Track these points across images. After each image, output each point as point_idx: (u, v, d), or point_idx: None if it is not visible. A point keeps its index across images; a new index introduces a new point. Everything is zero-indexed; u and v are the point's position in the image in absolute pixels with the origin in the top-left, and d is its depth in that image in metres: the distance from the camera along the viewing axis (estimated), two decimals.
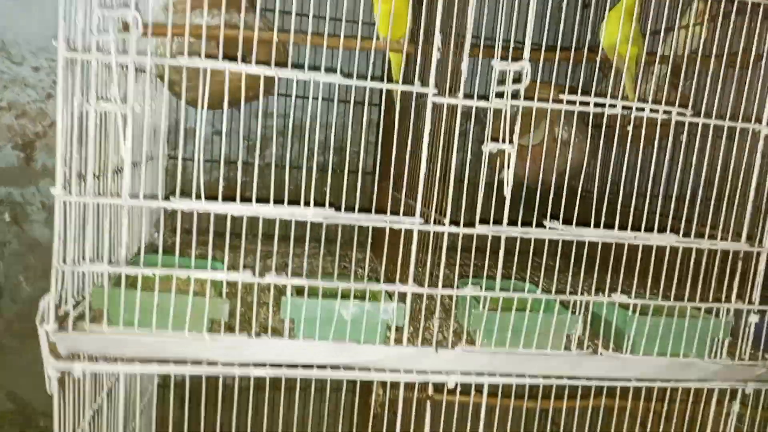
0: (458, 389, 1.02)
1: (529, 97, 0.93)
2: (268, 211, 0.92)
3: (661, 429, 1.12)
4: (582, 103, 0.97)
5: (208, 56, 0.89)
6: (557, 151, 1.23)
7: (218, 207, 0.91)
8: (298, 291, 0.97)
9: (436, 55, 0.92)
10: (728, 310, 1.06)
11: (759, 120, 1.02)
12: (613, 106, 0.98)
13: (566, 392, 1.12)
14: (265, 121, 1.59)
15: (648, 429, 1.18)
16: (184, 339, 0.92)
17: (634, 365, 1.04)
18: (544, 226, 0.98)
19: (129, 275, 0.91)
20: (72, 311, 0.89)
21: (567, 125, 1.36)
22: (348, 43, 0.98)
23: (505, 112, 0.92)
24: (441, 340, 1.00)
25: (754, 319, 1.06)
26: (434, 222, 0.97)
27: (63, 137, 0.86)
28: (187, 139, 1.45)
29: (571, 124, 1.34)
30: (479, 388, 1.08)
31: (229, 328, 0.95)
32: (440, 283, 0.97)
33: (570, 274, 1.15)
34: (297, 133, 1.56)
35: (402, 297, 0.96)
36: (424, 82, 0.93)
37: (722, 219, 1.03)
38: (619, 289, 1.04)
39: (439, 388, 1.06)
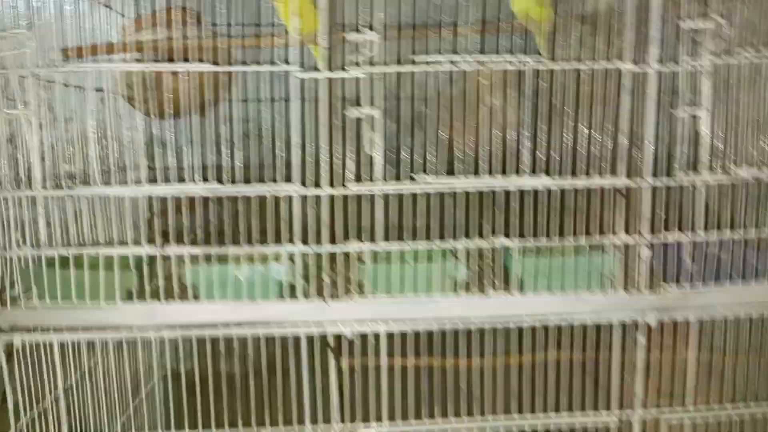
0: (356, 345, 1.10)
1: None
2: (162, 189, 1.05)
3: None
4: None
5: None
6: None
7: (114, 191, 1.04)
8: (207, 259, 1.09)
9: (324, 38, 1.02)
10: (616, 245, 1.08)
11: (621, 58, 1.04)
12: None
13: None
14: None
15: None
16: (102, 308, 1.06)
17: (526, 304, 1.09)
18: (414, 180, 1.06)
19: (61, 255, 1.06)
20: (8, 291, 1.05)
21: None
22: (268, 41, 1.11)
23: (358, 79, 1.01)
24: (333, 293, 1.08)
25: (645, 252, 1.08)
26: (314, 186, 1.06)
27: None
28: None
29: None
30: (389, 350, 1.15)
31: (141, 296, 1.08)
32: (324, 241, 1.06)
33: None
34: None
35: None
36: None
37: (599, 157, 1.06)
38: (503, 232, 1.09)
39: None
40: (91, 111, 1.08)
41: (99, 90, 1.17)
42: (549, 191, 1.07)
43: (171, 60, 1.13)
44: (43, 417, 1.12)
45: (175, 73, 1.12)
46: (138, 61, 1.19)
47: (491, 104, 1.10)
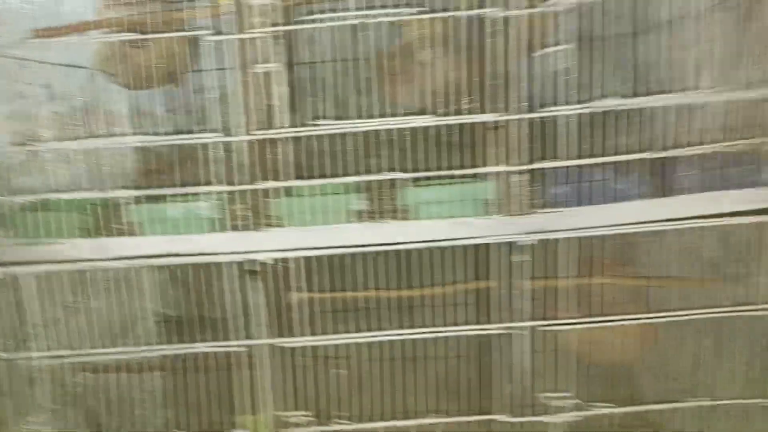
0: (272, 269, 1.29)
1: None
2: (103, 142, 1.26)
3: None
4: None
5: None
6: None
7: (64, 145, 1.26)
8: (148, 199, 1.29)
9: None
10: (493, 174, 1.24)
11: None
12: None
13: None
14: None
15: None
16: (58, 244, 1.28)
17: (417, 229, 1.26)
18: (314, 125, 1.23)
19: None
20: None
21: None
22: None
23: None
24: (255, 224, 1.27)
25: (516, 178, 1.23)
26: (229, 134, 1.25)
27: None
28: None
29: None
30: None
31: (97, 233, 1.30)
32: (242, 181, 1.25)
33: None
34: None
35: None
36: None
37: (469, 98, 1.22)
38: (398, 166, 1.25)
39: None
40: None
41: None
42: (428, 128, 1.23)
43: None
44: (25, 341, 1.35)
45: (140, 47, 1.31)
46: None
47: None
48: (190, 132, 1.26)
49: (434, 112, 1.22)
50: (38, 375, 1.39)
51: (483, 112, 1.22)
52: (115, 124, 1.30)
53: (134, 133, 1.26)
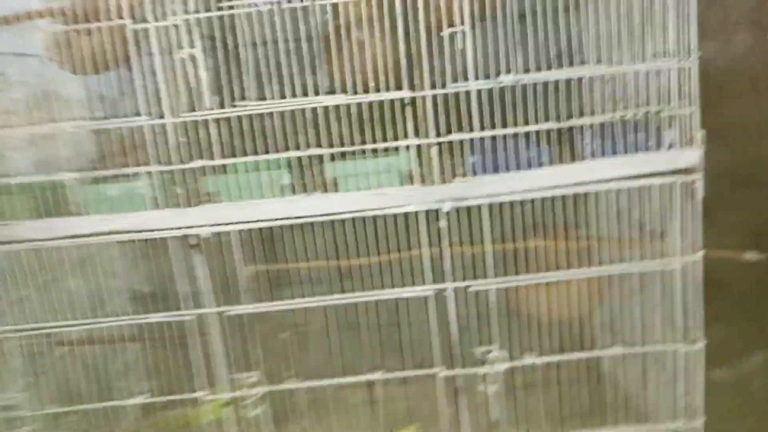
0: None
1: None
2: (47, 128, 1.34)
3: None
4: None
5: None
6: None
7: None
8: (92, 180, 1.38)
9: None
10: (408, 148, 1.32)
11: None
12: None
13: None
14: None
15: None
16: (7, 226, 1.37)
17: (340, 201, 1.35)
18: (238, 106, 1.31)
19: None
20: None
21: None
22: None
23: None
24: (193, 201, 1.36)
25: (433, 151, 1.32)
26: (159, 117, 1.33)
27: None
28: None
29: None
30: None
31: (46, 214, 1.39)
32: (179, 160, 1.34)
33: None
34: None
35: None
36: None
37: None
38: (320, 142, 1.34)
39: None
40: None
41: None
42: (348, 106, 1.31)
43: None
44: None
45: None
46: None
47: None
48: (126, 116, 1.35)
49: (351, 91, 1.30)
50: (9, 350, 1.49)
51: (398, 88, 1.29)
52: (66, 110, 1.38)
53: (75, 119, 1.33)
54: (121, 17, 1.30)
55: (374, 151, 1.33)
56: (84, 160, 1.41)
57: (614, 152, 1.31)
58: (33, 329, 1.50)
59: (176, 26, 1.25)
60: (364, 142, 1.32)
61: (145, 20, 1.26)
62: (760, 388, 1.99)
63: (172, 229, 1.37)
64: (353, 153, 1.33)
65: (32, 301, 1.53)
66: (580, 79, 1.29)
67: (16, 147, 1.42)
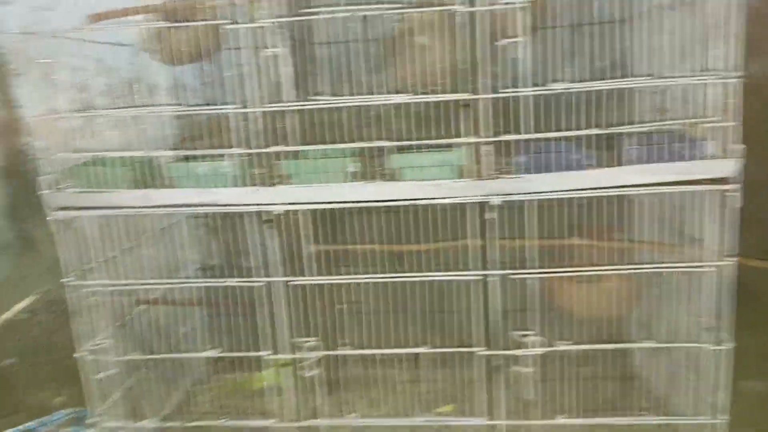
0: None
1: None
2: (148, 109, 1.54)
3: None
4: None
5: None
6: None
7: (114, 112, 1.54)
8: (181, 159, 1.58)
9: None
10: (465, 144, 1.46)
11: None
12: None
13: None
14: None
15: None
16: (111, 193, 1.58)
17: (400, 189, 1.50)
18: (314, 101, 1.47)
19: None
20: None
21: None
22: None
23: None
24: (269, 181, 1.54)
25: (486, 149, 1.45)
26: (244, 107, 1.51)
27: None
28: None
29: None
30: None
31: (142, 185, 1.59)
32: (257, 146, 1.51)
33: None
34: None
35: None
36: None
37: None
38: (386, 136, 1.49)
39: None
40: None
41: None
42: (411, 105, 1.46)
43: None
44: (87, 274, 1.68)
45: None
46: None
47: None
48: (215, 103, 1.53)
49: (414, 91, 1.45)
50: (97, 303, 1.71)
51: (455, 92, 1.43)
52: (155, 95, 1.58)
53: (170, 104, 1.53)
54: (214, 18, 1.48)
55: (433, 146, 1.47)
56: (169, 140, 1.61)
57: (657, 159, 1.41)
58: (119, 285, 1.72)
59: (263, 28, 1.42)
60: (424, 138, 1.46)
61: (236, 21, 1.44)
62: None
63: (249, 205, 1.55)
64: (414, 147, 1.48)
65: (119, 263, 1.75)
66: (628, 90, 1.40)
67: (114, 125, 1.63)
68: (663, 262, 1.53)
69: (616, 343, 1.67)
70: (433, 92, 1.43)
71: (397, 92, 1.44)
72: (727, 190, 1.40)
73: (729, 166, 1.38)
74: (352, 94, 1.45)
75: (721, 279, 1.49)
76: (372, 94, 1.46)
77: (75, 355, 1.68)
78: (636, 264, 1.52)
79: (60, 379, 2.06)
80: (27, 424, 1.92)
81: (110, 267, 1.69)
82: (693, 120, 1.39)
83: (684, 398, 1.63)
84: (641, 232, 1.57)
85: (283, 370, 1.70)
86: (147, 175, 1.58)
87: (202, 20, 1.48)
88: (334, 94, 1.46)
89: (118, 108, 1.57)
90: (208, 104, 1.53)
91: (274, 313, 1.64)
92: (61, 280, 1.65)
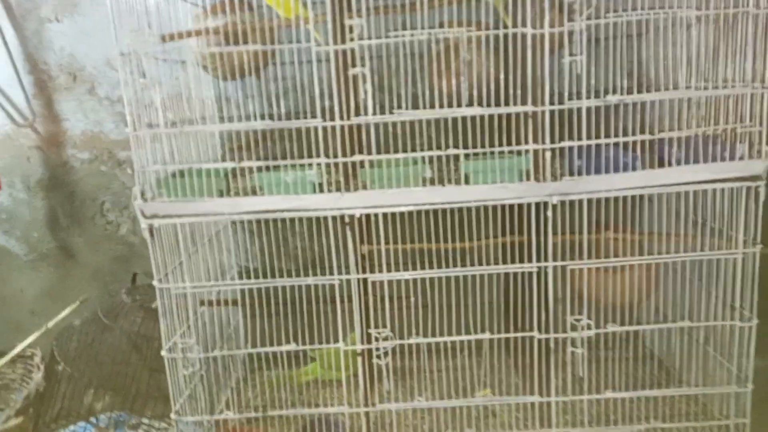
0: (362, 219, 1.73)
1: None
2: (237, 126, 1.69)
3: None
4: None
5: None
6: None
7: (208, 127, 1.69)
8: (267, 168, 1.73)
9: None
10: (527, 151, 1.65)
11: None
12: None
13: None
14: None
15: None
16: (202, 201, 1.71)
17: (469, 192, 1.68)
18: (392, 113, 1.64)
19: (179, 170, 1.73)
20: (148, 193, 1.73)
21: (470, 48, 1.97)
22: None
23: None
24: (347, 187, 1.70)
25: (548, 155, 1.65)
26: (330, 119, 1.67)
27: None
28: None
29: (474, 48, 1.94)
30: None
31: (228, 192, 1.73)
32: (339, 154, 1.67)
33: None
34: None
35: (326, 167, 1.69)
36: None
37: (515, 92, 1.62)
38: (456, 144, 1.67)
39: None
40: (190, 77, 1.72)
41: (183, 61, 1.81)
42: (482, 116, 1.64)
43: (234, 38, 1.72)
44: (173, 273, 1.81)
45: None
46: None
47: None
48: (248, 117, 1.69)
49: (481, 104, 1.63)
50: (181, 302, 1.85)
51: (523, 103, 1.62)
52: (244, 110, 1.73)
53: (256, 118, 1.68)
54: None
55: (500, 153, 1.66)
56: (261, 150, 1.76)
57: (695, 161, 1.62)
58: (200, 287, 1.85)
59: (353, 50, 1.59)
60: (492, 145, 1.65)
61: (323, 44, 1.60)
62: None
63: (332, 209, 1.71)
64: (483, 154, 1.66)
65: (198, 265, 1.88)
66: (671, 100, 1.61)
67: (205, 138, 1.77)
68: (699, 250, 1.75)
69: (655, 323, 1.87)
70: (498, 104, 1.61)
71: (470, 105, 1.63)
72: (755, 187, 1.63)
73: (758, 166, 1.61)
74: (429, 107, 1.63)
75: (747, 264, 1.72)
76: (449, 107, 1.63)
77: (162, 353, 1.81)
78: (677, 252, 1.74)
79: (103, 384, 2.14)
80: (70, 428, 2.01)
81: (177, 271, 1.82)
82: (727, 126, 1.61)
83: (714, 370, 1.85)
84: (681, 225, 1.79)
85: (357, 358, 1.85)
86: (238, 184, 1.72)
87: (278, 44, 1.63)
88: (414, 108, 1.63)
89: (205, 124, 1.71)
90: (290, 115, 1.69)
91: (349, 307, 1.80)
92: (153, 282, 1.77)
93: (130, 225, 2.48)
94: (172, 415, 1.85)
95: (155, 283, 1.77)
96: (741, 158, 1.62)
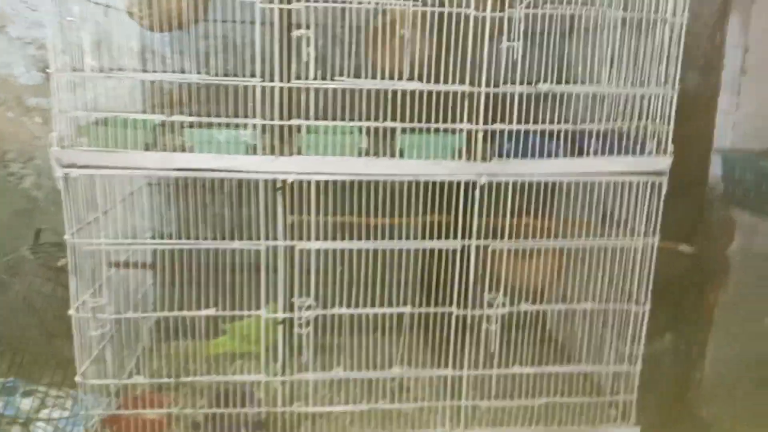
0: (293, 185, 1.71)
1: None
2: (170, 77, 1.62)
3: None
4: None
5: None
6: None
7: (137, 75, 1.61)
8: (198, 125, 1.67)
9: None
10: (461, 130, 1.71)
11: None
12: None
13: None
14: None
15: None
16: (126, 153, 1.63)
17: (404, 165, 1.71)
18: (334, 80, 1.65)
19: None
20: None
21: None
22: None
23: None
24: (282, 151, 1.68)
25: (480, 135, 1.71)
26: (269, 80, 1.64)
27: None
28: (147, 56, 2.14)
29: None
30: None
31: (155, 146, 1.66)
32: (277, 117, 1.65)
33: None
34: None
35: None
36: None
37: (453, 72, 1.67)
38: (394, 117, 1.70)
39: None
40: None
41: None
42: (420, 92, 1.68)
43: None
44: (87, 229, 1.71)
45: None
46: None
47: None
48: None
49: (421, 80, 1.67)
50: (96, 260, 1.74)
51: (461, 83, 1.68)
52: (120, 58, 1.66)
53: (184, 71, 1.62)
54: None
55: (435, 130, 1.71)
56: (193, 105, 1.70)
57: (610, 152, 1.76)
58: (116, 244, 1.77)
59: (298, 10, 1.58)
60: (428, 122, 1.69)
61: (272, 1, 1.57)
62: (667, 365, 2.54)
63: (265, 172, 1.68)
64: (419, 129, 1.70)
65: (101, 224, 1.78)
66: (593, 95, 1.73)
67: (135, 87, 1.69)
68: (601, 238, 1.89)
69: (562, 302, 2.00)
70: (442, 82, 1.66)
71: (411, 80, 1.66)
72: (659, 182, 1.78)
73: (663, 162, 1.77)
74: (366, 78, 1.65)
75: (646, 253, 1.88)
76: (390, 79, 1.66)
77: (70, 311, 1.70)
78: (580, 238, 1.87)
79: None
80: None
81: (111, 223, 1.73)
82: (639, 123, 1.76)
83: (609, 350, 2.01)
84: (587, 212, 1.92)
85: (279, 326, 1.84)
86: (165, 138, 1.65)
87: None
88: (356, 77, 1.64)
89: (131, 71, 1.63)
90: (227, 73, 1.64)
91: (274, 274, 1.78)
92: (64, 237, 1.66)
93: (35, 178, 2.28)
94: (77, 378, 1.74)
95: (67, 237, 1.66)
96: (650, 153, 1.77)
